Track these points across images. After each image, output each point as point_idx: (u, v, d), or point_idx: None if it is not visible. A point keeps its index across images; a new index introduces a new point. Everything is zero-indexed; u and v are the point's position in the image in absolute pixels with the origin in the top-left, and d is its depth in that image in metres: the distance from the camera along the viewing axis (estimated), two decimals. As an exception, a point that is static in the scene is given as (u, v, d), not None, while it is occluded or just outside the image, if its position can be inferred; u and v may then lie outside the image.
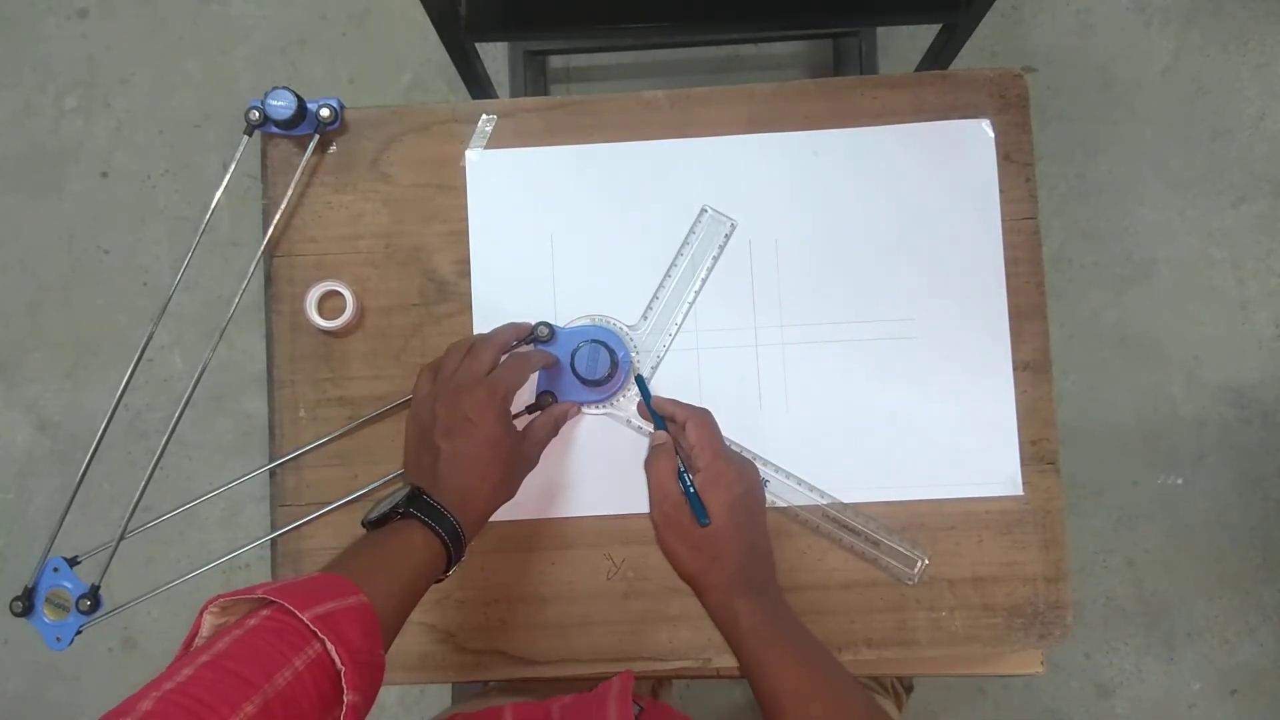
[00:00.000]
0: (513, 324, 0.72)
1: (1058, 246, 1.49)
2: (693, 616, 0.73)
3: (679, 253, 0.76)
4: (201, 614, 0.48)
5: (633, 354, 0.75)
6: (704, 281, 0.75)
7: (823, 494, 0.73)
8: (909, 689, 1.27)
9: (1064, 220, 1.50)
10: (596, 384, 0.73)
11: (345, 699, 0.47)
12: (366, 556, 0.57)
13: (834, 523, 0.73)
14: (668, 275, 0.76)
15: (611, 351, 0.73)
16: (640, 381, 0.73)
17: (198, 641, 0.48)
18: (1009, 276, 0.75)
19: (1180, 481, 1.48)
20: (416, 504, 0.59)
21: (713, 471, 0.66)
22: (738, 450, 0.73)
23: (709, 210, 0.76)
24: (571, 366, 0.72)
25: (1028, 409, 0.74)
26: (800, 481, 0.73)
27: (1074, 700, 1.47)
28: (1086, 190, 1.51)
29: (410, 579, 0.57)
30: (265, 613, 0.48)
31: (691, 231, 0.76)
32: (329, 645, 0.47)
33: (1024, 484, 0.74)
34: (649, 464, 0.69)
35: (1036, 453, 0.74)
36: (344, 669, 0.47)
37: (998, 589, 0.73)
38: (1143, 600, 1.47)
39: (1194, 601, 1.47)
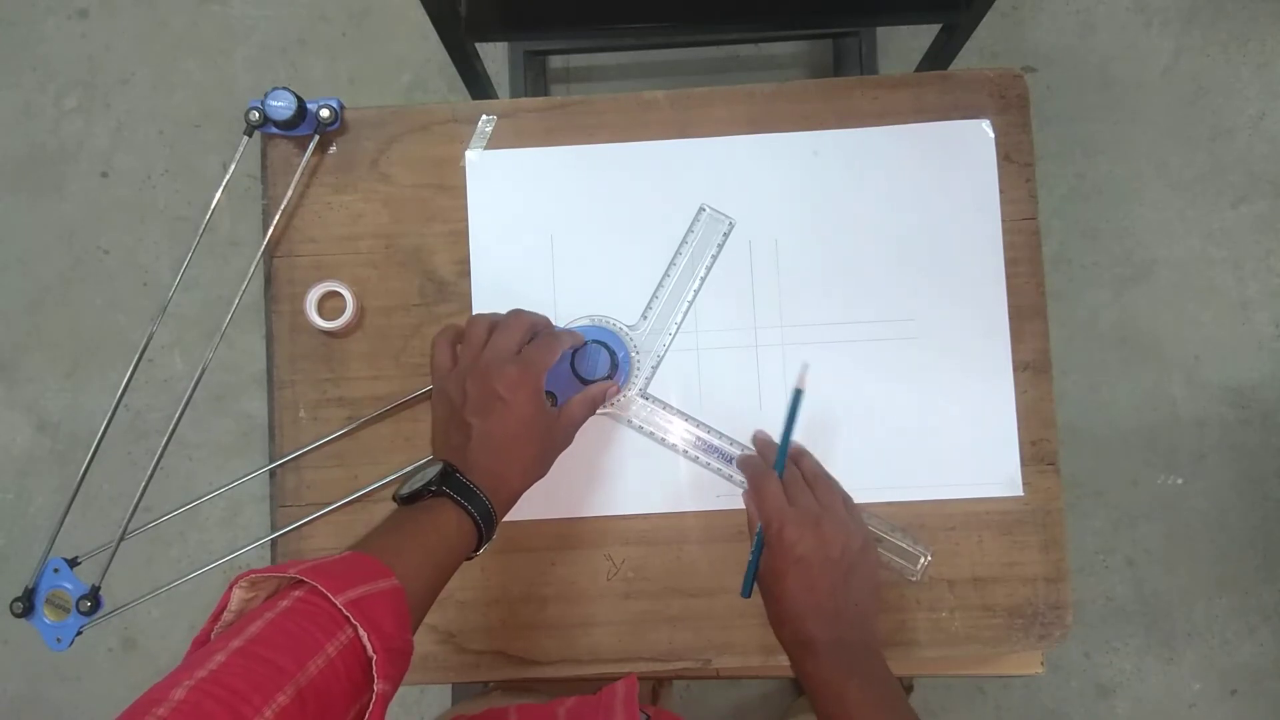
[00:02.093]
0: (545, 318, 0.71)
1: (1058, 246, 1.49)
2: (693, 617, 0.73)
3: (677, 252, 0.76)
4: (231, 589, 0.47)
5: (632, 354, 0.75)
6: (703, 280, 0.75)
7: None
8: (909, 689, 1.27)
9: (1064, 220, 1.50)
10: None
11: (375, 688, 0.46)
12: (398, 534, 0.56)
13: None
14: (666, 274, 0.76)
15: (612, 352, 0.73)
16: (796, 398, 0.68)
17: (226, 615, 0.47)
18: (1009, 276, 0.75)
19: (1180, 481, 1.48)
20: (449, 482, 0.58)
21: (772, 534, 0.64)
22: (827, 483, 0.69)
23: (707, 209, 0.76)
24: (572, 366, 0.72)
25: (1028, 409, 0.74)
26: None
27: (1074, 700, 1.47)
28: (1086, 190, 1.51)
29: (442, 559, 0.56)
30: (297, 594, 0.47)
31: (690, 230, 0.76)
32: (361, 632, 0.46)
33: (1024, 484, 0.74)
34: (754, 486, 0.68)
35: (1036, 453, 0.74)
36: (375, 657, 0.46)
37: (998, 589, 0.73)
38: (1143, 600, 1.47)
39: (1194, 601, 1.47)
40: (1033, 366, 0.74)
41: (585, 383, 0.72)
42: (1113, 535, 1.48)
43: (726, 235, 0.76)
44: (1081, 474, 1.48)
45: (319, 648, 0.44)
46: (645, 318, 0.75)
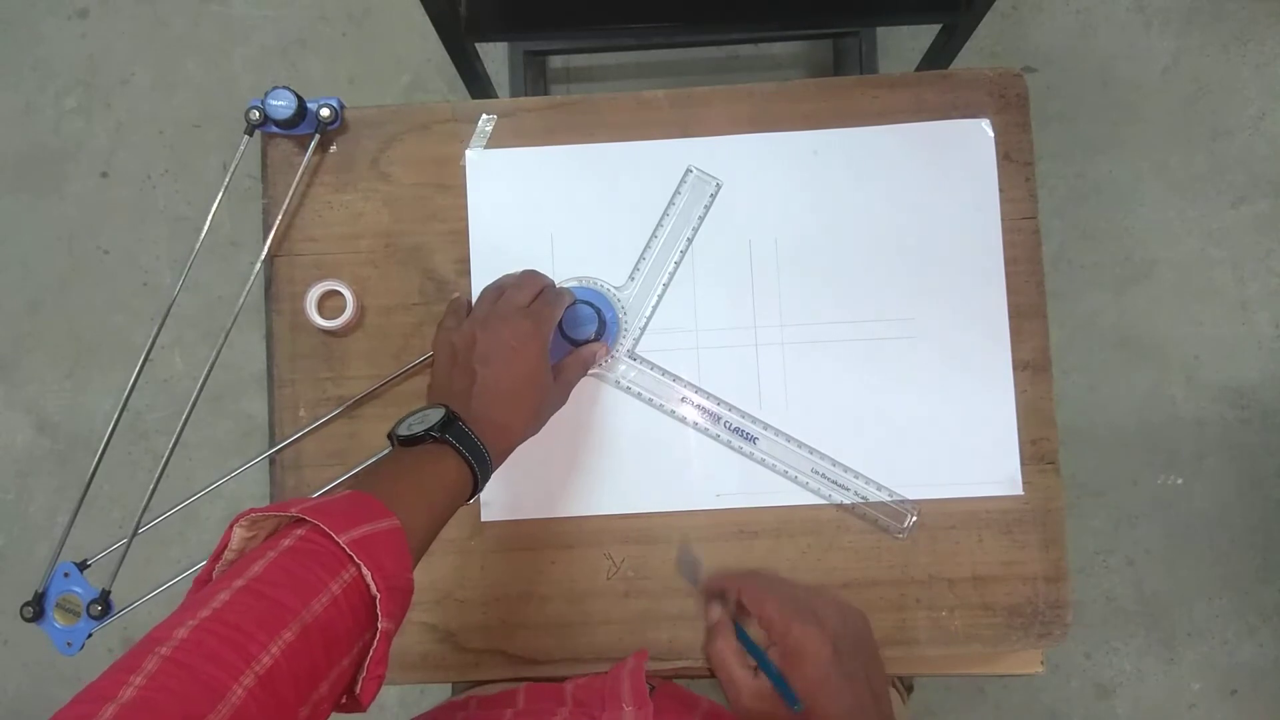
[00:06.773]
0: (552, 280, 0.72)
1: (1058, 246, 1.49)
2: (692, 616, 0.73)
3: (664, 213, 0.76)
4: (231, 527, 0.47)
5: (620, 315, 0.75)
6: (690, 241, 0.75)
7: (811, 449, 0.74)
8: (909, 689, 1.27)
9: (1064, 220, 1.50)
10: (584, 345, 0.73)
11: (379, 625, 0.46)
12: (398, 478, 0.55)
13: (824, 479, 0.73)
14: (654, 236, 0.75)
15: (599, 311, 0.73)
16: (686, 564, 0.72)
17: (227, 554, 0.47)
18: (1009, 276, 0.75)
19: (1180, 481, 1.48)
20: (451, 430, 0.58)
21: (791, 641, 0.60)
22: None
23: (694, 170, 0.76)
24: (559, 326, 0.72)
25: (1028, 408, 0.74)
26: (789, 439, 0.74)
27: (1074, 700, 1.47)
28: (1086, 190, 1.51)
29: (440, 506, 0.56)
30: (299, 533, 0.46)
31: (677, 192, 0.76)
32: (364, 570, 0.46)
33: (1024, 483, 0.74)
34: (708, 648, 0.65)
35: (1036, 452, 0.74)
36: (379, 595, 0.46)
37: (998, 588, 0.73)
38: (1143, 600, 1.47)
39: (1194, 601, 1.47)
40: (1032, 366, 0.74)
41: (573, 344, 0.73)
42: (1113, 535, 1.48)
43: (714, 196, 0.76)
44: (1081, 474, 1.48)
45: (323, 586, 0.44)
46: (633, 279, 0.75)
